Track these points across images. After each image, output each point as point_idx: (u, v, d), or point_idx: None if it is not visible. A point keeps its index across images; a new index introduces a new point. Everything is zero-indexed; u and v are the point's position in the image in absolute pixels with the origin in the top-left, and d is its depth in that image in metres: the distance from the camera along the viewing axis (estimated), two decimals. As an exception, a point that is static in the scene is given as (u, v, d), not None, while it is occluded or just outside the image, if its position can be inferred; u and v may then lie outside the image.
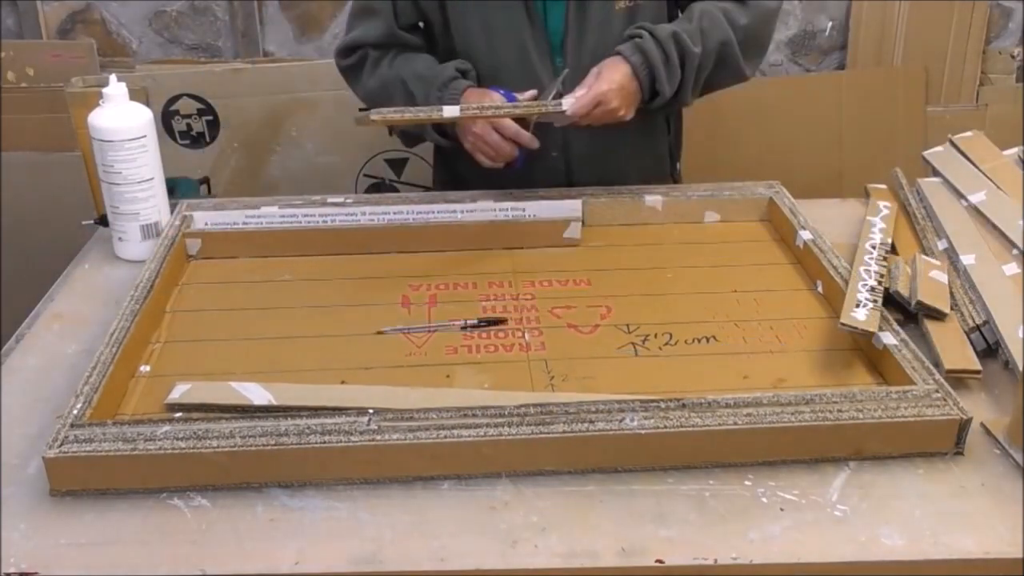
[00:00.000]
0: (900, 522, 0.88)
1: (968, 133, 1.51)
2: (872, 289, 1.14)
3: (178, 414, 0.99)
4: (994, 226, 1.30)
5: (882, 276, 1.18)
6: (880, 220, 1.34)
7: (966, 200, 1.37)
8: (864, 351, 1.12)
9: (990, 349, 1.12)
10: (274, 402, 1.01)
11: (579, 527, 0.88)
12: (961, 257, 1.24)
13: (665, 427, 0.93)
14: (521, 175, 1.47)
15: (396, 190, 2.38)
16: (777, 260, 1.35)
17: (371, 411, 0.95)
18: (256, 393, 1.02)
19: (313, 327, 1.19)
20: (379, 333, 1.17)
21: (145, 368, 1.11)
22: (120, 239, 1.37)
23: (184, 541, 0.87)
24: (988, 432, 1.00)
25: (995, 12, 2.83)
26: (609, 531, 0.87)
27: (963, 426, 0.96)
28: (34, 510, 0.90)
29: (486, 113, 1.32)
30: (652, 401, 0.96)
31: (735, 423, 0.94)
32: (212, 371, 1.09)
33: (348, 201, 1.44)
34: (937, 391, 0.98)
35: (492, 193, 1.45)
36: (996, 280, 1.19)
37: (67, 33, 2.77)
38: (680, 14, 1.49)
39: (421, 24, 1.55)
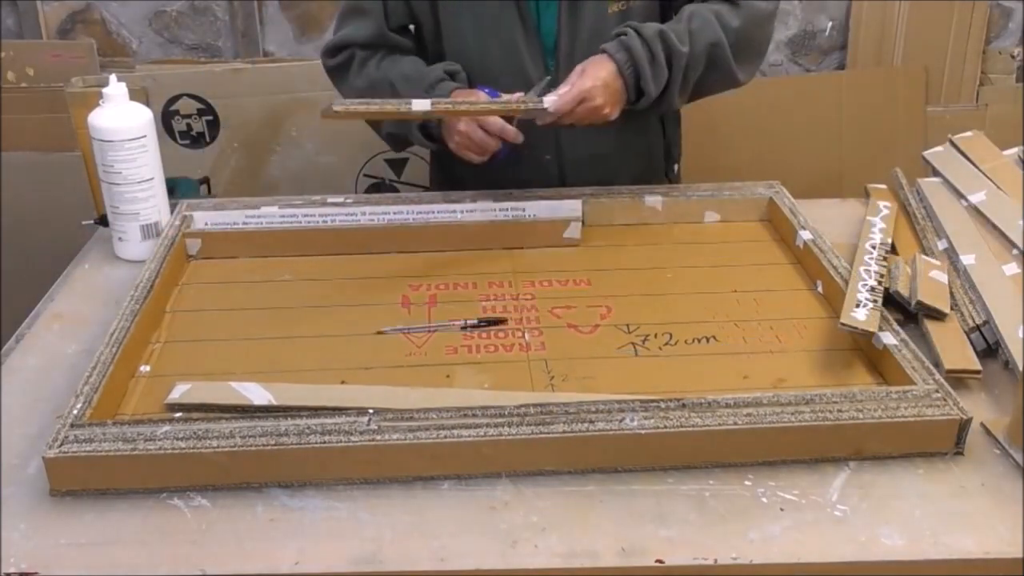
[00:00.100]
0: (900, 522, 0.88)
1: (968, 133, 1.51)
2: (872, 289, 1.14)
3: (178, 414, 0.99)
4: (994, 226, 1.30)
5: (882, 276, 1.18)
6: (880, 220, 1.34)
7: (966, 200, 1.37)
8: (864, 351, 1.12)
9: (990, 349, 1.12)
10: (274, 402, 1.01)
11: (579, 527, 0.88)
12: (961, 257, 1.25)
13: (665, 427, 0.93)
14: (515, 177, 1.47)
15: (396, 190, 2.38)
16: (777, 260, 1.35)
17: (371, 411, 0.95)
18: (256, 393, 1.02)
19: (313, 327, 1.19)
20: (379, 333, 1.17)
21: (145, 368, 1.11)
22: (120, 239, 1.37)
23: (184, 541, 0.87)
24: (988, 432, 1.00)
25: (995, 12, 2.83)
26: (609, 531, 0.87)
27: (963, 426, 0.96)
28: (34, 510, 0.90)
29: (459, 108, 1.29)
30: (652, 401, 0.96)
31: (735, 423, 0.94)
32: (212, 371, 1.09)
33: (348, 201, 1.44)
34: (937, 391, 0.98)
35: (492, 193, 1.45)
36: (996, 280, 1.19)
37: (67, 33, 2.77)
38: (672, 16, 1.47)
39: (412, 27, 1.54)
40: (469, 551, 0.85)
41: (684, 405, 0.96)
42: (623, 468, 0.94)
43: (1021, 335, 1.09)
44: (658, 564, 0.84)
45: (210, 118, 2.32)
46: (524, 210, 1.40)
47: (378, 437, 0.92)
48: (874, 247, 1.25)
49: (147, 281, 1.21)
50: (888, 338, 1.07)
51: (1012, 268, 1.21)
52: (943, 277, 1.20)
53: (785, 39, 2.89)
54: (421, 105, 1.24)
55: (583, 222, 1.39)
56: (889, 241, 1.28)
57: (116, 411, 1.03)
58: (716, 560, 0.84)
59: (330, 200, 1.44)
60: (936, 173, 1.47)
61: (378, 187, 2.41)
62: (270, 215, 1.39)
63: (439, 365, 1.11)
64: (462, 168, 1.44)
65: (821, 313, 1.21)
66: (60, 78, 2.27)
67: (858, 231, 1.32)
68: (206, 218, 1.39)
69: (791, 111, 2.67)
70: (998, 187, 1.37)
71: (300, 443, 0.92)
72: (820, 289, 1.25)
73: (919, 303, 1.15)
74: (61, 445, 0.92)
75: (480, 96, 1.37)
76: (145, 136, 1.32)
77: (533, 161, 1.50)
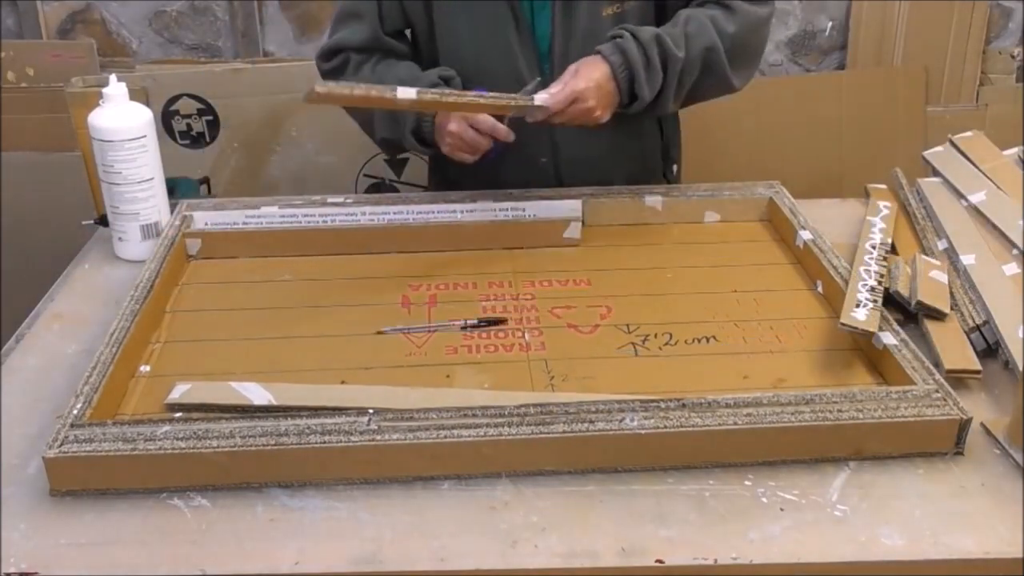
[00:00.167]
0: (900, 522, 0.88)
1: (968, 133, 1.51)
2: (872, 289, 1.14)
3: (178, 414, 0.99)
4: (994, 226, 1.30)
5: (882, 276, 1.18)
6: (880, 220, 1.34)
7: (966, 200, 1.37)
8: (864, 351, 1.12)
9: (990, 349, 1.12)
10: (274, 402, 1.01)
11: (579, 527, 0.88)
12: (961, 257, 1.25)
13: (665, 427, 0.93)
14: (511, 180, 1.47)
15: (396, 190, 2.38)
16: (777, 260, 1.35)
17: (371, 411, 0.95)
18: (256, 393, 1.02)
19: (313, 327, 1.19)
20: (379, 333, 1.17)
21: (145, 368, 1.11)
22: (120, 239, 1.37)
23: (184, 541, 0.87)
24: (988, 432, 1.00)
25: (995, 12, 2.83)
26: (609, 531, 0.87)
27: (963, 426, 0.96)
28: (34, 510, 0.90)
29: (447, 100, 1.26)
30: (652, 401, 0.96)
31: (735, 423, 0.94)
32: (212, 371, 1.09)
33: (348, 201, 1.44)
34: (937, 391, 0.98)
35: (492, 193, 1.45)
36: (996, 280, 1.19)
37: (67, 33, 2.77)
38: (668, 17, 1.45)
39: (407, 31, 1.53)
40: (469, 551, 0.85)
41: (684, 405, 0.96)
42: (623, 468, 0.94)
43: (1021, 335, 1.09)
44: (658, 564, 0.84)
45: (210, 118, 2.32)
46: (524, 210, 1.40)
47: (378, 437, 0.92)
48: (874, 247, 1.25)
49: (147, 281, 1.21)
50: (888, 338, 1.07)
51: (1012, 268, 1.21)
52: (943, 277, 1.20)
53: (785, 39, 2.89)
54: (407, 93, 1.20)
55: (583, 222, 1.39)
56: (889, 241, 1.28)
57: (116, 411, 1.03)
58: (716, 560, 0.84)
59: (330, 200, 1.44)
60: (936, 173, 1.47)
61: (378, 187, 2.41)
62: (270, 215, 1.39)
63: (439, 365, 1.11)
64: (458, 170, 1.43)
65: (821, 313, 1.21)
66: (60, 78, 2.27)
67: (858, 231, 1.32)
68: (206, 218, 1.39)
69: (791, 111, 2.67)
70: (998, 187, 1.37)
71: (300, 443, 0.92)
72: (820, 289, 1.25)
73: (919, 303, 1.15)
74: (61, 445, 0.92)
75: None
76: (145, 136, 1.32)
77: (529, 163, 1.49)
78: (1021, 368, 1.05)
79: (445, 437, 0.92)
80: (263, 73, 2.35)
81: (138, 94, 2.01)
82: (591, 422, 0.94)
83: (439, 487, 0.93)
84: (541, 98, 1.29)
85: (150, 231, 1.36)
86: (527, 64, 1.45)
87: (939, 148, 1.52)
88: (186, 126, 2.33)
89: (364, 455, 0.92)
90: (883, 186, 1.48)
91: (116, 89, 1.32)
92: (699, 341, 1.15)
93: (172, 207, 1.41)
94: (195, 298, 1.27)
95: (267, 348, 1.15)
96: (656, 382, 1.07)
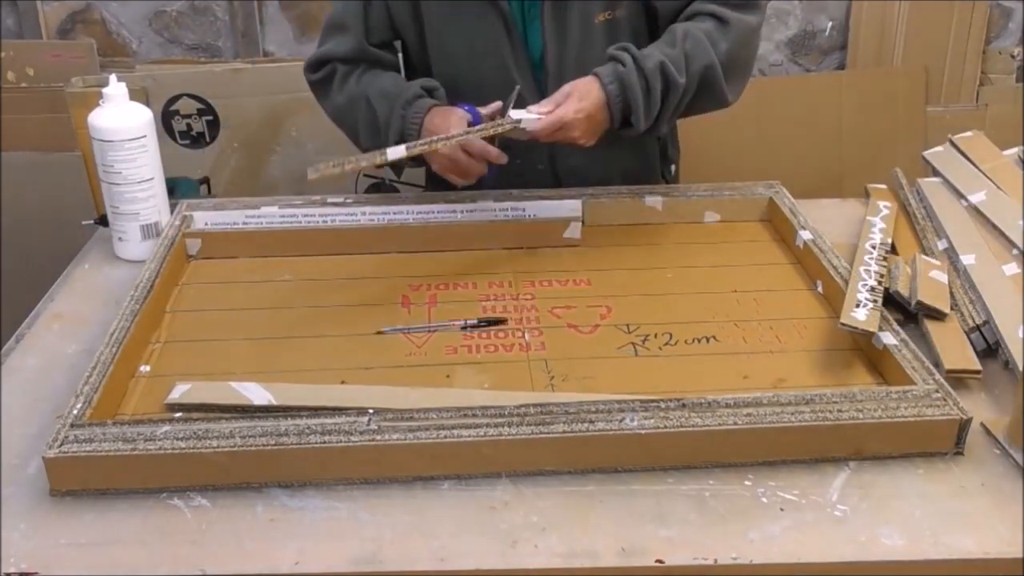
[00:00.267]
0: (900, 522, 0.88)
1: (968, 133, 1.51)
2: (872, 289, 1.14)
3: (178, 414, 0.99)
4: (994, 226, 1.30)
5: (882, 276, 1.18)
6: (880, 220, 1.34)
7: (966, 200, 1.37)
8: (864, 351, 1.12)
9: (990, 349, 1.12)
10: (274, 402, 1.01)
11: (579, 527, 0.88)
12: (961, 257, 1.25)
13: (665, 427, 0.93)
14: (509, 185, 1.46)
15: (396, 190, 2.38)
16: (777, 260, 1.35)
17: (371, 411, 0.95)
18: (256, 393, 1.02)
19: (313, 327, 1.19)
20: (379, 333, 1.17)
21: (145, 368, 1.11)
22: (120, 239, 1.37)
23: (184, 541, 0.87)
24: (988, 432, 1.00)
25: (995, 12, 2.83)
26: (609, 531, 0.87)
27: (963, 426, 0.96)
28: (34, 510, 0.90)
29: (436, 146, 1.25)
30: (652, 401, 0.96)
31: (735, 423, 0.94)
32: (212, 371, 1.09)
33: (348, 201, 1.44)
34: (937, 391, 0.98)
35: (492, 193, 1.45)
36: (996, 280, 1.19)
37: (67, 33, 2.77)
38: (659, 25, 1.44)
39: (397, 42, 1.52)
40: (469, 551, 0.85)
41: (684, 405, 0.96)
42: (623, 468, 0.94)
43: (1021, 335, 1.09)
44: (658, 564, 0.84)
45: (210, 118, 2.33)
46: (524, 210, 1.40)
47: (378, 437, 0.92)
48: (874, 247, 1.25)
49: (147, 281, 1.21)
50: (888, 338, 1.07)
51: (1012, 268, 1.21)
52: (943, 277, 1.20)
53: (785, 39, 2.89)
54: (396, 152, 1.19)
55: (583, 222, 1.39)
56: (889, 241, 1.28)
57: (116, 411, 1.03)
58: (716, 560, 0.84)
59: (330, 200, 1.44)
60: (936, 173, 1.47)
61: (378, 187, 2.40)
62: (270, 215, 1.39)
63: (439, 365, 1.11)
64: None
65: (821, 313, 1.21)
66: (60, 78, 2.27)
67: (858, 231, 1.32)
68: (206, 218, 1.39)
69: (791, 111, 2.67)
70: (998, 187, 1.37)
71: (300, 443, 0.92)
72: (820, 289, 1.25)
73: (919, 303, 1.15)
74: (61, 445, 0.92)
75: (457, 114, 1.34)
76: (145, 136, 1.32)
77: (528, 170, 1.49)
78: (1021, 368, 1.05)
79: (445, 437, 0.92)
80: (263, 73, 2.36)
81: (138, 94, 2.01)
82: (591, 422, 0.94)
83: (439, 487, 0.93)
84: (528, 119, 1.27)
85: (150, 231, 1.36)
86: (520, 73, 1.44)
87: (939, 148, 1.52)
88: (186, 126, 2.33)
89: (364, 455, 0.92)
90: (883, 186, 1.48)
91: (116, 89, 1.32)
92: (699, 341, 1.15)
93: (172, 207, 1.41)
94: (195, 298, 1.27)
95: (267, 348, 1.15)
96: (656, 382, 1.07)
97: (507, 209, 1.40)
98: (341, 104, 1.48)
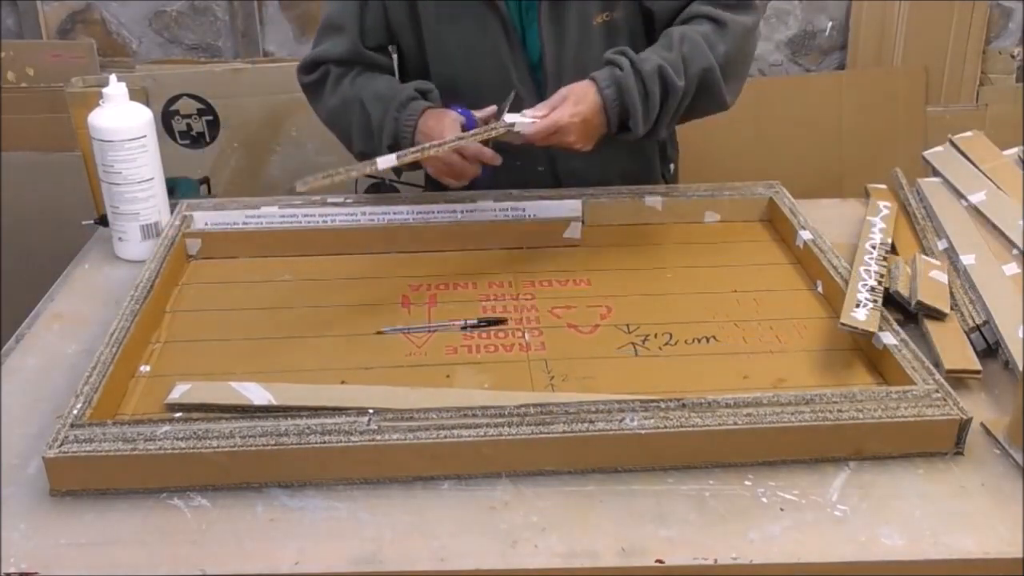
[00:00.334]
0: (900, 522, 0.88)
1: (968, 133, 1.51)
2: (872, 289, 1.14)
3: (178, 414, 0.99)
4: (994, 226, 1.30)
5: (882, 276, 1.18)
6: (880, 220, 1.34)
7: (966, 200, 1.37)
8: (864, 351, 1.12)
9: (990, 349, 1.12)
10: (274, 402, 1.01)
11: (579, 527, 0.88)
12: (961, 257, 1.25)
13: (665, 427, 0.93)
14: (511, 185, 1.46)
15: (396, 190, 2.37)
16: (777, 260, 1.35)
17: (371, 411, 0.95)
18: (256, 393, 1.02)
19: (313, 327, 1.19)
20: (379, 333, 1.17)
21: (145, 368, 1.11)
22: (120, 239, 1.37)
23: (184, 541, 0.87)
24: (988, 432, 1.00)
25: (995, 12, 2.83)
26: (609, 531, 0.87)
27: (963, 426, 0.96)
28: (34, 510, 0.90)
29: (428, 153, 1.22)
30: (652, 401, 0.96)
31: (735, 423, 0.94)
32: (212, 371, 1.09)
33: (348, 201, 1.44)
34: (937, 391, 0.98)
35: (492, 193, 1.45)
36: (996, 280, 1.19)
37: (67, 33, 2.77)
38: (655, 27, 1.43)
39: (392, 47, 1.51)
40: (469, 551, 0.85)
41: (684, 405, 0.96)
42: (623, 468, 0.94)
43: (1021, 335, 1.09)
44: (658, 564, 0.84)
45: (210, 118, 2.33)
46: (524, 210, 1.40)
47: (378, 437, 0.92)
48: (874, 247, 1.25)
49: (147, 281, 1.21)
50: (888, 338, 1.07)
51: (1012, 268, 1.21)
52: (943, 277, 1.20)
53: (785, 39, 2.89)
54: (387, 162, 1.18)
55: (583, 222, 1.39)
56: (889, 241, 1.28)
57: (116, 411, 1.03)
58: (716, 560, 0.84)
59: (330, 200, 1.44)
60: (936, 173, 1.47)
61: (378, 187, 2.40)
62: (270, 215, 1.39)
63: (439, 365, 1.11)
64: None
65: (821, 313, 1.21)
66: (60, 78, 2.27)
67: (858, 231, 1.32)
68: (206, 218, 1.39)
69: (791, 111, 2.67)
70: (998, 187, 1.37)
71: (300, 443, 0.92)
72: (820, 289, 1.25)
73: (919, 303, 1.15)
74: (61, 445, 0.92)
75: (450, 117, 1.34)
76: (145, 136, 1.32)
77: (527, 172, 1.49)
78: (1021, 368, 1.05)
79: (445, 437, 0.92)
80: (263, 73, 2.35)
81: (138, 94, 2.01)
82: (591, 422, 0.94)
83: (439, 487, 0.93)
84: (523, 123, 1.26)
85: (150, 231, 1.36)
86: (519, 75, 1.44)
87: (939, 148, 1.52)
88: (186, 126, 2.33)
89: (364, 455, 0.92)
90: (883, 186, 1.48)
91: (116, 89, 1.32)
92: (699, 341, 1.15)
93: (172, 207, 1.41)
94: (195, 298, 1.27)
95: (267, 348, 1.15)
96: (656, 382, 1.07)
97: (507, 209, 1.40)
98: (334, 106, 1.48)
